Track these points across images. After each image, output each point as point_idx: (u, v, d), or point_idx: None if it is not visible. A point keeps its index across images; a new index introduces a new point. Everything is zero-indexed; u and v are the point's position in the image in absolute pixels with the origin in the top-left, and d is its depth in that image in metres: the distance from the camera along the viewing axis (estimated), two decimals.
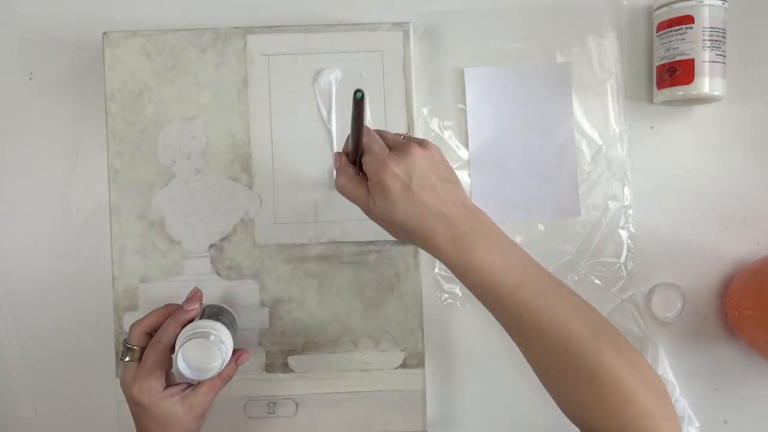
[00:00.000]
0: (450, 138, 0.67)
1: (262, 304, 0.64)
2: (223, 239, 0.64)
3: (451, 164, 0.66)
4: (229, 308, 0.62)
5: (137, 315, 0.63)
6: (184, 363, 0.52)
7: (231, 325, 0.58)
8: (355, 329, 0.64)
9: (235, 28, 0.64)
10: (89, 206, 0.67)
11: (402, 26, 0.64)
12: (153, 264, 0.63)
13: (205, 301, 0.61)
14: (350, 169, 0.52)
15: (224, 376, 0.57)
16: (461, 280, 0.49)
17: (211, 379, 0.55)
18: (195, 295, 0.59)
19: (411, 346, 0.64)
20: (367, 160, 0.49)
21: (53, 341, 0.66)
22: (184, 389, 0.56)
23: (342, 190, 0.52)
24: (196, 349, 0.53)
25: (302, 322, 0.64)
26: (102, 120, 0.64)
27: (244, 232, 0.64)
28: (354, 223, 0.63)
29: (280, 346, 0.64)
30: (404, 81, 0.64)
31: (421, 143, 0.50)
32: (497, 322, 0.50)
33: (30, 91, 0.67)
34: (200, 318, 0.56)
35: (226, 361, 0.54)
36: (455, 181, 0.51)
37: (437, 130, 0.67)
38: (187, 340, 0.52)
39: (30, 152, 0.67)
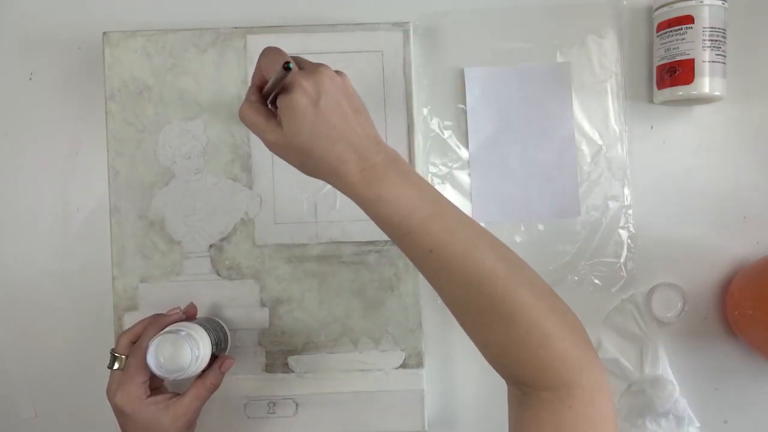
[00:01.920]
0: (450, 138, 0.67)
1: (262, 304, 0.64)
2: (223, 239, 0.64)
3: (450, 164, 0.66)
4: (221, 321, 0.62)
5: (137, 315, 0.63)
6: (153, 359, 0.52)
7: (215, 332, 0.58)
8: (355, 329, 0.64)
9: (235, 28, 0.64)
10: (89, 206, 0.67)
11: (402, 26, 0.64)
12: (153, 264, 0.63)
13: (205, 302, 0.61)
14: (254, 97, 0.50)
15: (209, 384, 0.55)
16: (370, 215, 0.47)
17: (197, 387, 0.55)
18: (188, 307, 0.60)
19: (411, 346, 0.64)
20: (273, 74, 0.46)
21: (53, 341, 0.66)
22: (170, 398, 0.55)
23: (241, 117, 0.49)
24: (167, 345, 0.52)
25: (302, 322, 0.64)
26: (102, 120, 0.64)
27: (244, 232, 0.64)
28: (354, 223, 0.63)
29: (280, 346, 0.64)
30: (404, 81, 0.64)
31: (337, 71, 0.48)
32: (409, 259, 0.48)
33: (30, 91, 0.67)
34: (188, 323, 0.57)
35: (201, 362, 0.54)
36: (367, 116, 0.49)
37: (437, 130, 0.67)
38: (158, 336, 0.52)
39: (30, 152, 0.67)
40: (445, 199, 0.48)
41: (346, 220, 0.64)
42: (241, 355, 0.63)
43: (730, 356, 0.66)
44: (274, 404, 0.64)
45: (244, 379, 0.63)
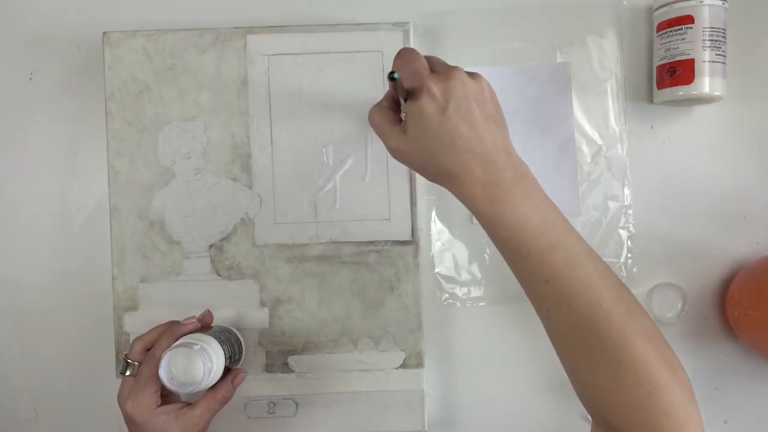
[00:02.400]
0: None
1: (262, 304, 0.64)
2: (223, 239, 0.64)
3: None
4: (236, 331, 0.61)
5: (137, 315, 0.63)
6: (165, 372, 0.51)
7: (230, 344, 0.58)
8: (355, 329, 0.64)
9: (235, 28, 0.64)
10: (89, 206, 0.67)
11: (402, 26, 0.64)
12: (153, 264, 0.63)
13: (205, 300, 0.61)
14: (385, 102, 0.48)
15: (220, 398, 0.55)
16: (488, 233, 0.45)
17: (208, 399, 0.54)
18: (204, 314, 0.59)
19: (411, 346, 0.64)
20: (404, 77, 0.44)
21: (53, 341, 0.66)
22: (180, 408, 0.54)
23: (370, 120, 0.48)
24: (180, 358, 0.51)
25: (302, 322, 0.64)
26: (102, 120, 0.64)
27: (244, 232, 0.64)
28: (354, 223, 0.63)
29: (280, 346, 0.64)
30: None
31: (472, 74, 0.46)
32: (526, 296, 0.45)
33: (30, 91, 0.67)
34: (203, 334, 0.56)
35: (214, 376, 0.53)
36: (501, 123, 0.46)
37: None
38: (171, 349, 0.52)
39: (30, 152, 0.67)
40: (570, 227, 0.45)
41: (346, 220, 0.64)
42: None
43: (730, 356, 0.66)
44: (274, 404, 0.64)
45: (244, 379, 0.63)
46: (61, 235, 0.67)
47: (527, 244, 0.43)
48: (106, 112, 0.64)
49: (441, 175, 0.45)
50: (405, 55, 0.46)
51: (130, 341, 0.63)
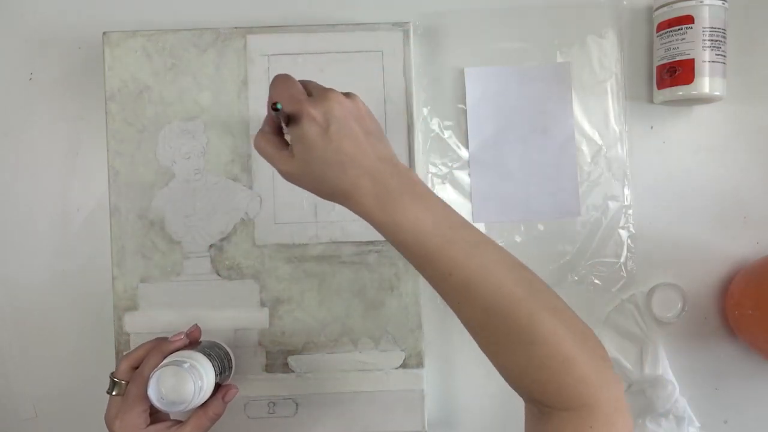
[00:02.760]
0: (450, 138, 0.67)
1: (262, 304, 0.64)
2: (223, 239, 0.64)
3: (450, 164, 0.66)
4: (225, 346, 0.61)
5: (137, 315, 0.63)
6: (154, 391, 0.50)
7: (219, 359, 0.57)
8: (355, 329, 0.64)
9: (235, 28, 0.64)
10: (89, 206, 0.67)
11: (402, 26, 0.64)
12: (153, 264, 0.63)
13: (205, 300, 0.61)
14: (267, 127, 0.49)
15: (211, 415, 0.54)
16: (388, 240, 0.46)
17: (198, 417, 0.53)
18: (192, 330, 0.58)
19: (411, 346, 0.64)
20: (283, 103, 0.46)
21: (53, 341, 0.66)
22: (170, 426, 0.54)
23: (255, 147, 0.49)
24: (170, 377, 0.50)
25: (302, 322, 0.64)
26: (102, 120, 0.64)
27: (244, 232, 0.64)
28: (354, 223, 0.63)
29: (280, 346, 0.64)
30: (404, 81, 0.64)
31: (347, 94, 0.48)
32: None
33: (30, 91, 0.67)
34: (192, 351, 0.55)
35: (204, 394, 0.52)
36: (381, 137, 0.48)
37: (437, 130, 0.67)
38: (160, 368, 0.51)
39: (30, 152, 0.67)
40: (463, 220, 0.47)
41: (346, 220, 0.64)
42: (241, 355, 0.63)
43: (730, 356, 0.66)
44: (274, 404, 0.64)
45: (244, 379, 0.63)
46: (61, 235, 0.67)
47: (426, 243, 0.45)
48: (106, 112, 0.64)
49: (335, 193, 0.47)
50: (280, 82, 0.48)
51: (130, 341, 0.63)
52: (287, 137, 0.49)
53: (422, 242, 0.45)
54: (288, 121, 0.47)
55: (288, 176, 0.48)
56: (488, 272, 0.44)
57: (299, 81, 0.48)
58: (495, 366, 0.46)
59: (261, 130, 0.50)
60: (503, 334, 0.44)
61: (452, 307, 0.46)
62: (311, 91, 0.48)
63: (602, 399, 0.42)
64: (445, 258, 0.45)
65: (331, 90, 0.47)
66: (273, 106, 0.44)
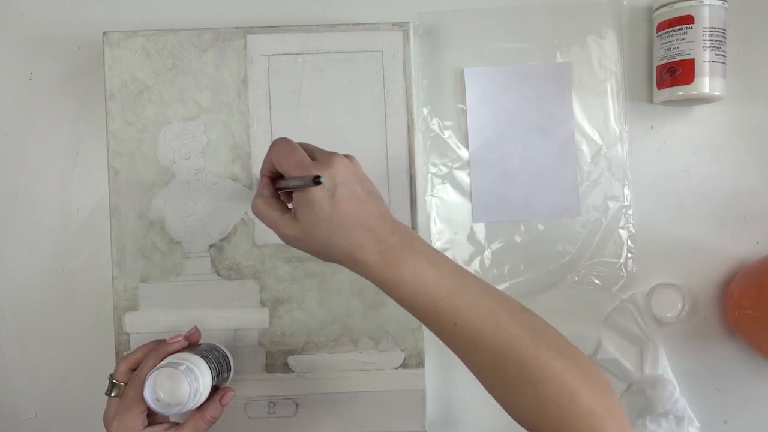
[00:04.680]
0: (450, 138, 0.67)
1: (262, 304, 0.64)
2: (223, 239, 0.64)
3: (450, 164, 0.66)
4: (224, 349, 0.61)
5: (137, 315, 0.63)
6: (150, 393, 0.50)
7: (217, 362, 0.57)
8: (355, 329, 0.64)
9: (235, 28, 0.64)
10: (89, 206, 0.67)
11: (402, 26, 0.64)
12: (153, 264, 0.63)
13: (205, 300, 0.61)
14: (266, 191, 0.50)
15: (208, 417, 0.54)
16: (392, 296, 0.47)
17: (195, 419, 0.54)
18: (191, 332, 0.58)
19: (411, 346, 0.64)
20: (289, 169, 0.47)
21: (53, 341, 0.66)
22: (167, 428, 0.54)
23: (255, 212, 0.50)
24: (165, 379, 0.50)
25: (302, 322, 0.64)
26: (102, 120, 0.64)
27: (244, 232, 0.64)
28: None
29: (280, 346, 0.64)
30: (404, 81, 0.64)
31: (347, 156, 0.48)
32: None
33: (30, 91, 0.67)
34: (189, 353, 0.55)
35: (200, 396, 0.52)
36: (379, 196, 0.49)
37: (437, 130, 0.67)
38: (156, 370, 0.51)
39: (30, 152, 0.67)
40: (464, 270, 0.48)
41: None
42: (241, 355, 0.63)
43: (730, 356, 0.66)
44: (274, 404, 0.64)
45: (244, 379, 0.63)
46: (61, 235, 0.67)
47: (430, 297, 0.46)
48: (106, 112, 0.64)
49: (338, 255, 0.48)
50: (282, 147, 0.48)
51: (130, 341, 0.63)
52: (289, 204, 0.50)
53: (426, 296, 0.46)
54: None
55: (291, 240, 0.49)
56: (493, 319, 0.45)
57: (299, 144, 0.49)
58: (504, 408, 0.46)
59: (260, 195, 0.50)
60: (511, 377, 0.45)
61: (459, 356, 0.47)
62: (314, 154, 0.48)
63: (610, 429, 0.43)
64: (450, 309, 0.46)
65: (334, 154, 0.48)
66: (315, 180, 0.44)
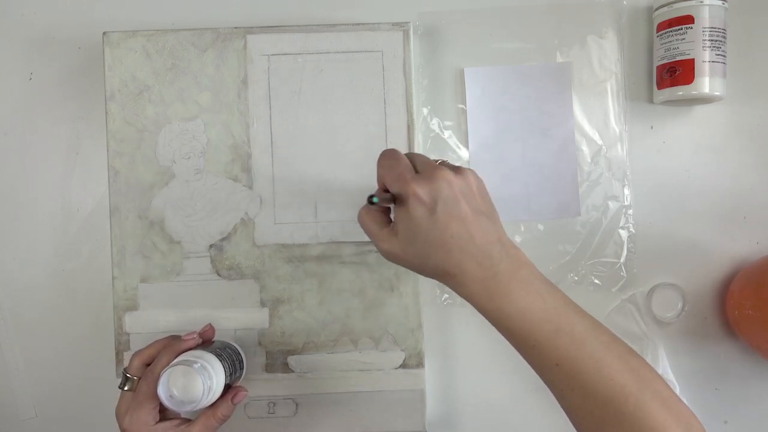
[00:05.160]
0: (450, 138, 0.67)
1: (262, 304, 0.64)
2: (223, 239, 0.64)
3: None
4: (237, 346, 0.61)
5: (137, 315, 0.63)
6: (164, 390, 0.51)
7: (231, 361, 0.57)
8: (355, 329, 0.64)
9: (235, 28, 0.64)
10: (89, 206, 0.67)
11: (402, 26, 0.64)
12: (153, 264, 0.63)
13: (205, 300, 0.61)
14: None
15: (219, 416, 0.54)
16: (494, 325, 0.45)
17: (207, 417, 0.54)
18: (205, 329, 0.58)
19: (411, 346, 0.64)
20: (390, 182, 0.45)
21: (53, 341, 0.66)
22: (179, 425, 0.54)
23: (359, 221, 0.49)
24: (180, 377, 0.51)
25: (302, 322, 0.64)
26: (102, 120, 0.64)
27: (244, 232, 0.64)
28: (354, 223, 0.63)
29: (280, 346, 0.64)
30: (404, 81, 0.64)
31: (456, 169, 0.46)
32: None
33: (30, 91, 0.67)
34: (203, 351, 0.55)
35: (213, 394, 0.53)
36: (492, 215, 0.47)
37: (437, 130, 0.67)
38: (171, 367, 0.51)
39: (30, 152, 0.67)
40: (573, 305, 0.46)
41: (346, 220, 0.64)
42: None
43: (730, 356, 0.66)
44: (274, 404, 0.64)
45: (244, 379, 0.63)
46: (61, 235, 0.67)
47: (533, 332, 0.44)
48: (106, 112, 0.64)
49: (438, 274, 0.46)
50: (387, 159, 0.47)
51: (130, 341, 0.63)
52: (392, 215, 0.48)
53: (530, 331, 0.44)
54: (394, 200, 0.46)
55: (388, 255, 0.47)
56: (597, 362, 0.43)
57: (406, 155, 0.47)
58: None
59: (366, 205, 0.48)
60: (609, 424, 0.43)
61: (556, 395, 0.46)
62: (418, 166, 0.46)
63: None
64: (553, 347, 0.44)
65: (439, 167, 0.45)
66: (369, 200, 0.43)
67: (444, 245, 0.44)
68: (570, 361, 0.43)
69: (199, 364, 0.52)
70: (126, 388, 0.55)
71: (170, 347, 0.55)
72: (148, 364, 0.55)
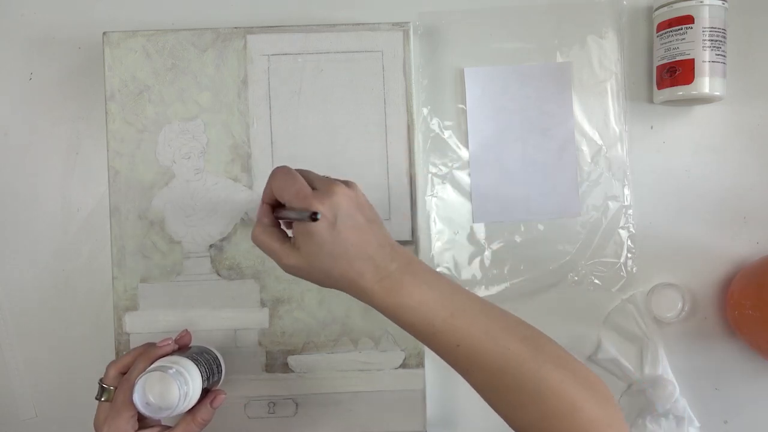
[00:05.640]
0: (450, 138, 0.67)
1: (262, 304, 0.64)
2: (223, 239, 0.64)
3: (450, 164, 0.66)
4: (215, 351, 0.61)
5: (137, 315, 0.63)
6: (139, 397, 0.50)
7: (207, 365, 0.57)
8: (355, 329, 0.64)
9: (235, 28, 0.64)
10: (89, 206, 0.67)
11: (402, 26, 0.64)
12: (153, 264, 0.63)
13: (205, 300, 0.61)
14: (266, 219, 0.50)
15: (199, 420, 0.54)
16: (395, 321, 0.48)
17: (187, 422, 0.53)
18: (181, 335, 0.58)
19: (411, 346, 0.64)
20: (289, 199, 0.47)
21: (53, 341, 0.66)
22: None
23: (255, 241, 0.49)
24: (155, 382, 0.50)
25: (302, 322, 0.64)
26: (102, 120, 0.64)
27: (244, 232, 0.64)
28: None
29: (280, 346, 0.64)
30: (404, 81, 0.64)
31: (347, 183, 0.48)
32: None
33: (30, 91, 0.67)
34: (178, 356, 0.55)
35: (190, 399, 0.52)
36: (379, 222, 0.49)
37: (437, 130, 0.67)
38: (146, 374, 0.51)
39: (30, 152, 0.67)
40: (463, 290, 0.49)
41: None
42: (241, 355, 0.63)
43: (730, 356, 0.66)
44: (274, 404, 0.64)
45: (244, 379, 0.63)
46: (61, 235, 0.67)
47: (431, 320, 0.46)
48: (106, 112, 0.64)
49: (340, 283, 0.48)
50: (281, 176, 0.48)
51: (130, 341, 0.63)
52: (289, 231, 0.49)
53: (428, 319, 0.46)
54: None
55: (291, 269, 0.48)
56: (494, 337, 0.46)
57: (298, 170, 0.49)
58: (509, 423, 0.47)
59: (260, 222, 0.50)
60: (514, 392, 0.46)
61: (462, 374, 0.48)
62: (313, 183, 0.48)
63: None
64: (452, 330, 0.46)
65: (334, 182, 0.47)
66: (312, 217, 0.44)
67: (346, 255, 0.46)
68: (468, 340, 0.46)
69: (174, 370, 0.51)
70: (103, 399, 0.54)
71: (146, 354, 0.55)
72: (124, 373, 0.55)
